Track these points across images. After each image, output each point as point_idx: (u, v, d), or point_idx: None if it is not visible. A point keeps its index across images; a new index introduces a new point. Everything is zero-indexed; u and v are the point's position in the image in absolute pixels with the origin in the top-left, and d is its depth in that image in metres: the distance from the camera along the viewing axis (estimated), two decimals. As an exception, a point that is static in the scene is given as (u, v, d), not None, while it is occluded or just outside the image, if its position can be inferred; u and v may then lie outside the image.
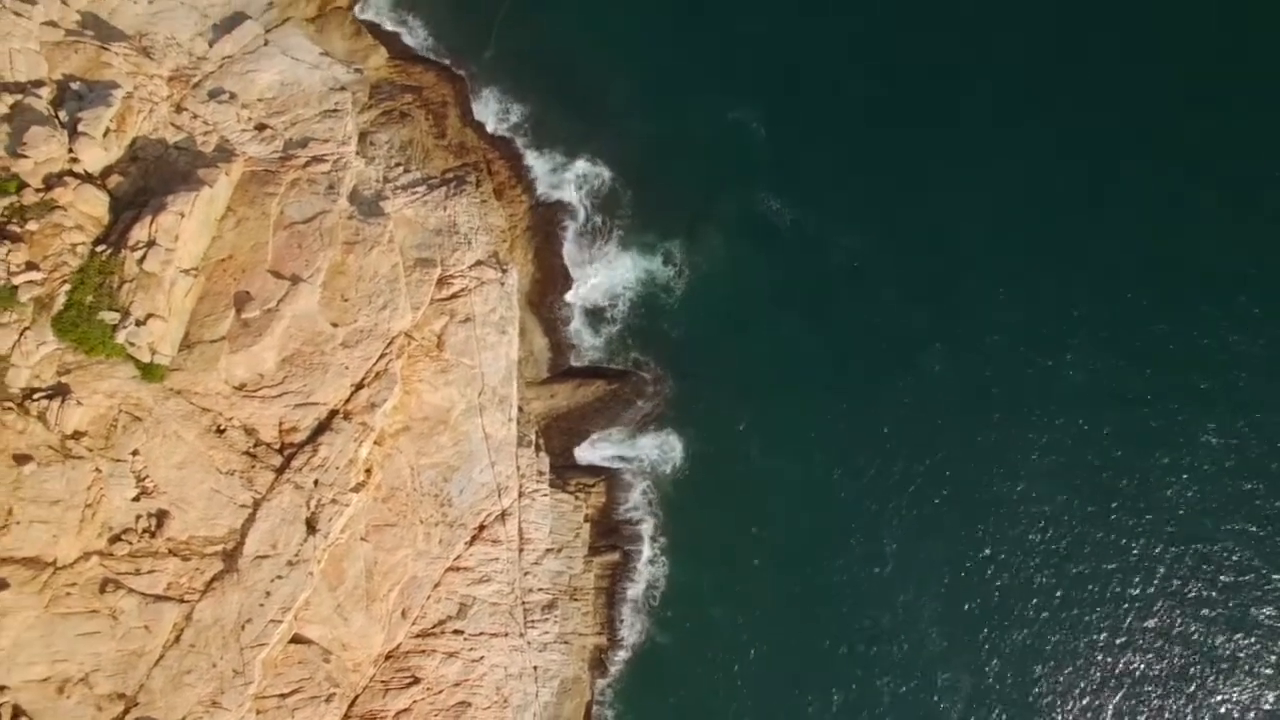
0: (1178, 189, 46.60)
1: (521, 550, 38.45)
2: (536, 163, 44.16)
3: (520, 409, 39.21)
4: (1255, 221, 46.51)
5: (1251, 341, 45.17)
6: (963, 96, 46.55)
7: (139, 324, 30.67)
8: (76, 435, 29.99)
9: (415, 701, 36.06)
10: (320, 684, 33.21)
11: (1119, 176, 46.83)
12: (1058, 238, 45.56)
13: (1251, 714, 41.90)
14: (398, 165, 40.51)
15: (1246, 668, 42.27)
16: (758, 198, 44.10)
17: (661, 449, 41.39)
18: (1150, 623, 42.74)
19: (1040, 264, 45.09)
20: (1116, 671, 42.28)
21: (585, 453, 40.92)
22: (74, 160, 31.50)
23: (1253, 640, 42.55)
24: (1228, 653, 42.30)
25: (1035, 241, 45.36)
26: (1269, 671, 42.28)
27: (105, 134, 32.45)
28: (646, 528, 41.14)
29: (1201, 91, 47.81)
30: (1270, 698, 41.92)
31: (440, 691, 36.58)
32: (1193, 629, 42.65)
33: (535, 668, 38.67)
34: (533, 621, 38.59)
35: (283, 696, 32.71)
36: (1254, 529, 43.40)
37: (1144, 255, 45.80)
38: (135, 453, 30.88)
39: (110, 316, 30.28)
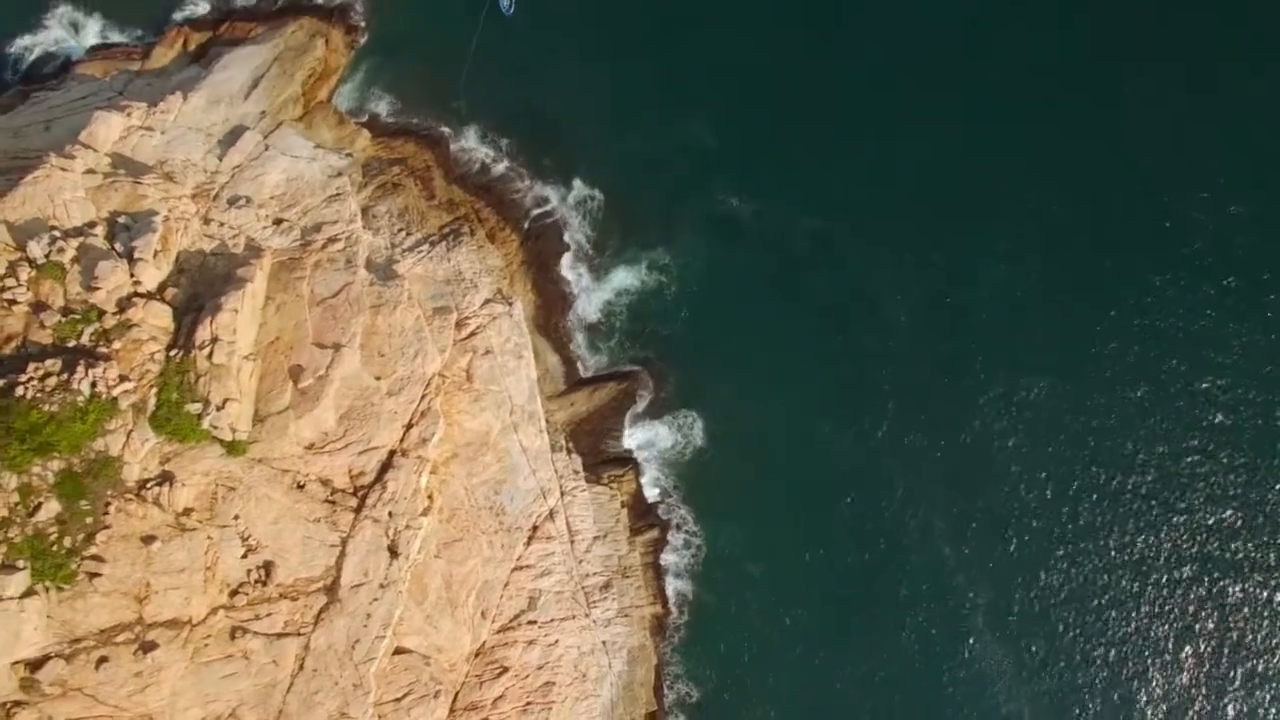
0: (1117, 139, 51.52)
1: (573, 542, 43.71)
2: (518, 202, 48.96)
3: (547, 420, 44.38)
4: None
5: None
6: (890, 84, 51.82)
7: (218, 409, 35.88)
8: (187, 512, 35.20)
9: (507, 688, 41.28)
10: (426, 684, 38.49)
11: (1048, 126, 51.69)
12: (986, 185, 50.66)
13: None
14: (400, 231, 45.81)
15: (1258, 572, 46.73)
16: (720, 198, 49.23)
17: (676, 431, 46.46)
18: (1131, 516, 47.37)
19: (974, 212, 50.21)
20: (1117, 571, 46.72)
21: (611, 447, 46.16)
22: (136, 283, 36.65)
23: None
24: (1229, 558, 46.68)
25: (970, 195, 50.45)
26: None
27: (155, 255, 37.66)
28: (677, 503, 46.10)
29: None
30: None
31: (527, 676, 41.80)
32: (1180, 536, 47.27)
33: (604, 642, 43.83)
34: (594, 602, 43.78)
35: (397, 700, 37.96)
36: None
37: (1082, 197, 50.78)
38: (236, 517, 36.07)
39: (194, 407, 35.48)
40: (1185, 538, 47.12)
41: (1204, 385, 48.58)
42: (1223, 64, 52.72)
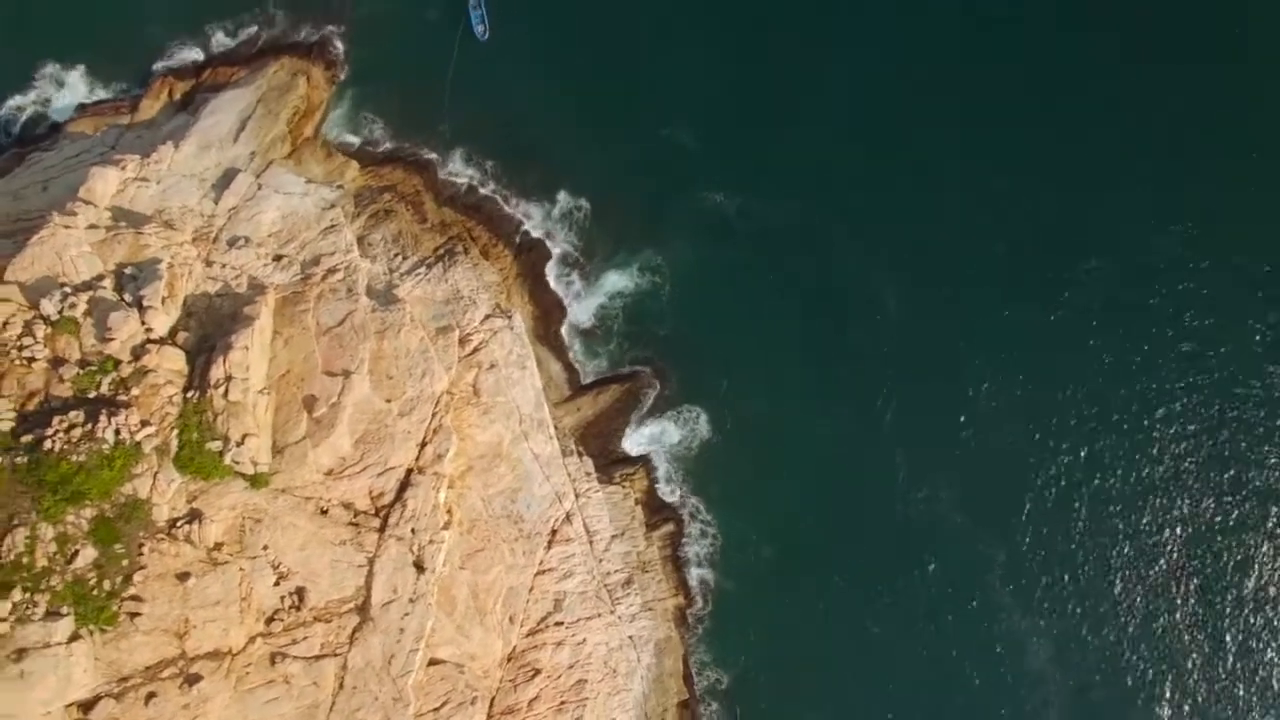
0: (1090, 128, 52.61)
1: (591, 542, 44.93)
2: (508, 218, 49.96)
3: (556, 426, 45.63)
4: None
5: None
6: (871, 76, 52.81)
7: (238, 445, 37.07)
8: (218, 546, 36.36)
9: (541, 690, 42.53)
10: (462, 692, 39.70)
11: (1014, 102, 52.76)
12: (969, 174, 51.78)
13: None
14: (396, 256, 47.00)
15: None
16: (704, 196, 50.24)
17: (682, 426, 47.59)
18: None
19: (959, 201, 51.36)
20: (1128, 527, 48.36)
21: (620, 447, 47.35)
22: (148, 330, 37.76)
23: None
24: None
25: (953, 184, 51.55)
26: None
27: (163, 302, 38.81)
28: (689, 495, 47.25)
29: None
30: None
31: (559, 676, 43.03)
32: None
33: (630, 637, 45.05)
34: (618, 599, 45.01)
35: (436, 710, 39.17)
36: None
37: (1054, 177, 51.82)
38: (265, 547, 37.22)
39: (215, 445, 36.68)
40: (1190, 498, 48.69)
41: (1191, 348, 50.21)
42: (1220, 66, 53.72)
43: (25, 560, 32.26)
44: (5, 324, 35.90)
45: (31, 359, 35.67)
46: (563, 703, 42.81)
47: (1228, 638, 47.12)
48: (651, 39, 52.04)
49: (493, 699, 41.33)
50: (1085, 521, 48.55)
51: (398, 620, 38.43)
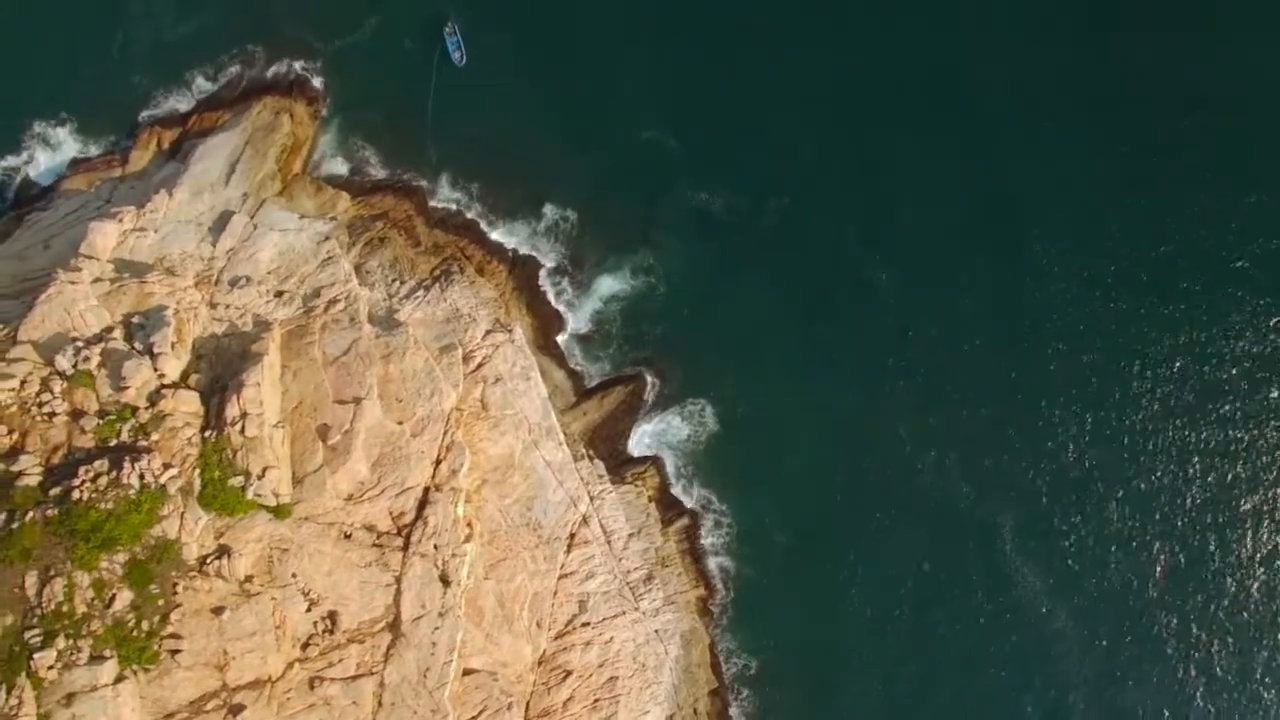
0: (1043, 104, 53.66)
1: (609, 543, 45.95)
2: (498, 234, 50.86)
3: (564, 432, 46.63)
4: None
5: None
6: (850, 64, 53.66)
7: (259, 478, 38.12)
8: (248, 578, 37.38)
9: (574, 690, 43.60)
10: (498, 698, 40.76)
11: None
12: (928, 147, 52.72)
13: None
14: (394, 281, 47.99)
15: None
16: (690, 195, 51.23)
17: (688, 420, 48.63)
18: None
19: (937, 186, 52.46)
20: (1132, 487, 49.45)
21: (629, 446, 48.34)
22: (161, 375, 38.79)
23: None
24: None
25: (915, 156, 52.52)
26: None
27: (172, 347, 39.79)
28: (701, 487, 48.22)
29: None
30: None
31: (590, 675, 44.07)
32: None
33: (656, 631, 46.04)
34: (640, 595, 46.01)
35: (474, 718, 40.26)
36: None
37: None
38: (294, 575, 38.24)
39: (237, 481, 37.73)
40: (1196, 455, 49.78)
41: (1183, 309, 51.44)
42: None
43: (65, 608, 33.33)
44: (23, 382, 36.95)
45: (52, 414, 36.70)
46: (596, 700, 43.84)
47: (1250, 586, 48.08)
48: (624, 47, 52.81)
49: (528, 703, 42.40)
50: (1098, 485, 49.47)
51: (429, 635, 39.46)
